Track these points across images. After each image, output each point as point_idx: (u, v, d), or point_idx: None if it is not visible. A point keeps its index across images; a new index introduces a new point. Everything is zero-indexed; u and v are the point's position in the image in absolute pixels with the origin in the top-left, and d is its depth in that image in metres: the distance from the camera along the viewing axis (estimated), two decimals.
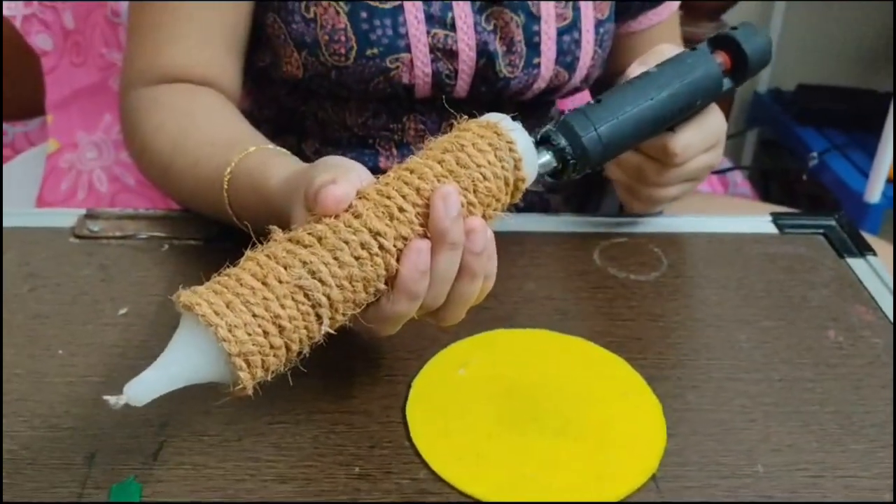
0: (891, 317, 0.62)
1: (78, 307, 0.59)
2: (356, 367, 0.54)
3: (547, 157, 0.54)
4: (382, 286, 0.46)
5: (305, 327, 0.44)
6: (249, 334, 0.43)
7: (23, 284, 0.60)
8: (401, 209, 0.46)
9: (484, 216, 0.48)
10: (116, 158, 1.14)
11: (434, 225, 0.45)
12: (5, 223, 0.66)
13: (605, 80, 0.83)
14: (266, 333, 0.43)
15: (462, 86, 0.73)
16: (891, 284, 0.66)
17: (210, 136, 0.64)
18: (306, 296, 0.44)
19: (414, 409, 0.51)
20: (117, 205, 1.12)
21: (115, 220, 0.67)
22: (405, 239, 0.45)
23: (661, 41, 0.74)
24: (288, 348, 0.44)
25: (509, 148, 0.48)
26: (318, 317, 0.45)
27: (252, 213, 0.58)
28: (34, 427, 0.49)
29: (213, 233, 0.66)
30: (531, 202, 0.84)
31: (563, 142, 0.54)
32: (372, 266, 0.45)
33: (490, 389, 0.53)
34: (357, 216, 0.45)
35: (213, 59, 0.70)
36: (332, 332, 0.46)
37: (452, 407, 0.52)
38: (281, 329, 0.44)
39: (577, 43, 0.75)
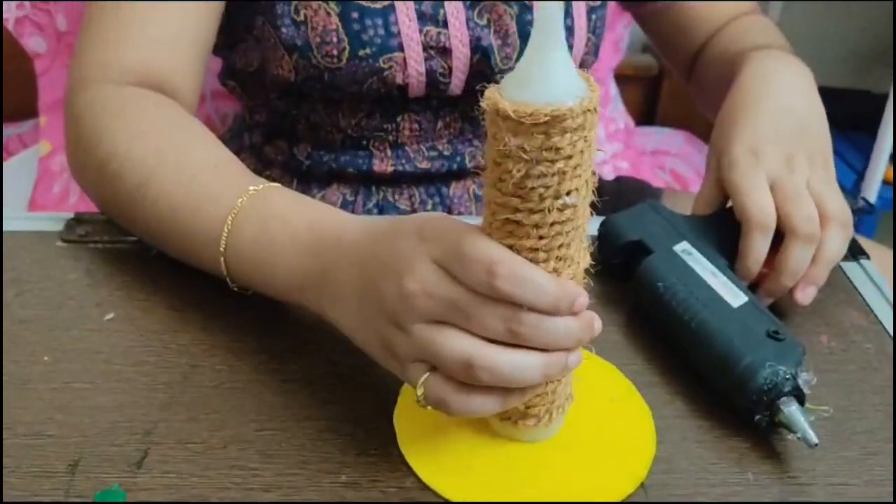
0: (885, 322, 0.61)
1: (63, 312, 0.58)
2: (345, 374, 0.54)
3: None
4: None
5: None
6: None
7: (8, 289, 0.60)
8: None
9: None
10: None
11: None
12: None
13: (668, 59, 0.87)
14: None
15: (457, 83, 0.72)
16: (885, 288, 0.65)
17: (207, 157, 0.60)
18: None
19: (402, 417, 0.51)
20: None
21: (103, 224, 0.66)
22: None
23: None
24: None
25: None
26: None
27: (260, 255, 0.53)
28: (17, 434, 0.49)
29: None
30: None
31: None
32: None
33: None
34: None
35: (176, 57, 0.67)
36: None
37: (441, 414, 0.51)
38: None
39: (570, 30, 0.74)
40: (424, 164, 0.76)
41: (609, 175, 1.22)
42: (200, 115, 1.10)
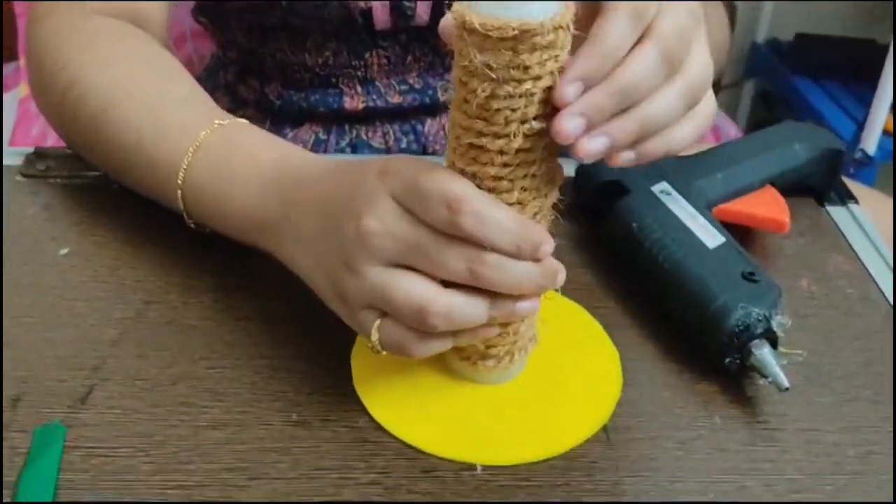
0: (870, 266, 0.59)
1: (18, 247, 0.56)
2: (302, 313, 0.52)
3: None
4: None
5: None
6: None
7: None
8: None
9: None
10: None
11: None
12: None
13: None
14: None
15: (422, 11, 0.69)
16: (873, 234, 0.63)
17: (176, 89, 0.58)
18: None
19: (359, 356, 0.49)
20: None
21: (64, 159, 0.64)
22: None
23: None
24: None
25: None
26: None
27: (220, 189, 0.51)
28: None
29: None
30: None
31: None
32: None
33: None
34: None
35: None
36: None
37: None
38: None
39: None
40: (396, 99, 0.73)
41: None
42: (181, 55, 1.07)
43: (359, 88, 0.73)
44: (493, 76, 0.38)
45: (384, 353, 0.43)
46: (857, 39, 1.73)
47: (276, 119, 0.77)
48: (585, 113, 0.39)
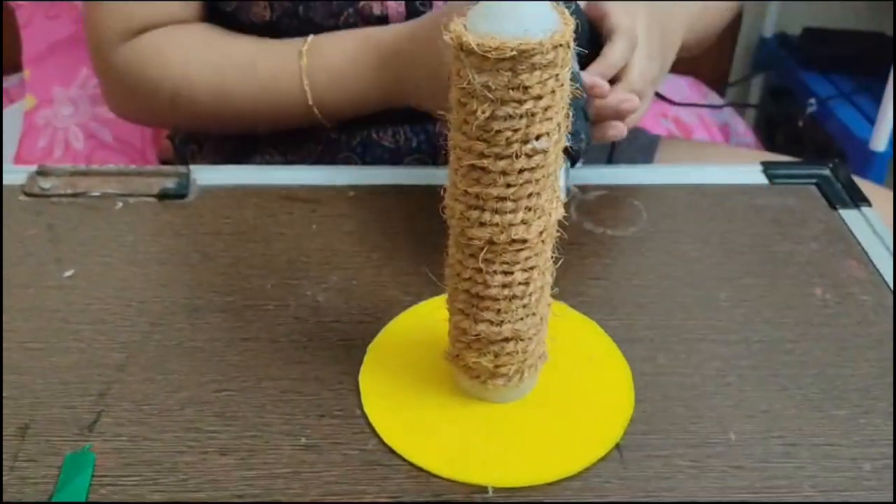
0: (884, 273, 0.58)
1: (21, 269, 0.56)
2: (310, 332, 0.51)
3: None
4: None
5: None
6: None
7: None
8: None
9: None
10: (93, 114, 1.11)
11: None
12: None
13: None
14: None
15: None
16: (886, 236, 0.62)
17: (252, 45, 0.69)
18: None
19: (368, 377, 0.48)
20: (94, 162, 1.09)
21: (68, 177, 0.64)
22: None
23: None
24: None
25: None
26: None
27: (345, 80, 0.66)
28: None
29: (169, 190, 0.63)
30: None
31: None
32: None
33: (445, 353, 0.50)
34: None
35: (185, 8, 0.71)
36: None
37: (409, 373, 0.49)
38: None
39: None
40: None
41: None
42: None
43: None
44: (492, 97, 0.37)
45: None
46: (865, 33, 1.71)
47: None
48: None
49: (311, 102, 0.67)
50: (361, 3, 0.67)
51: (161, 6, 0.70)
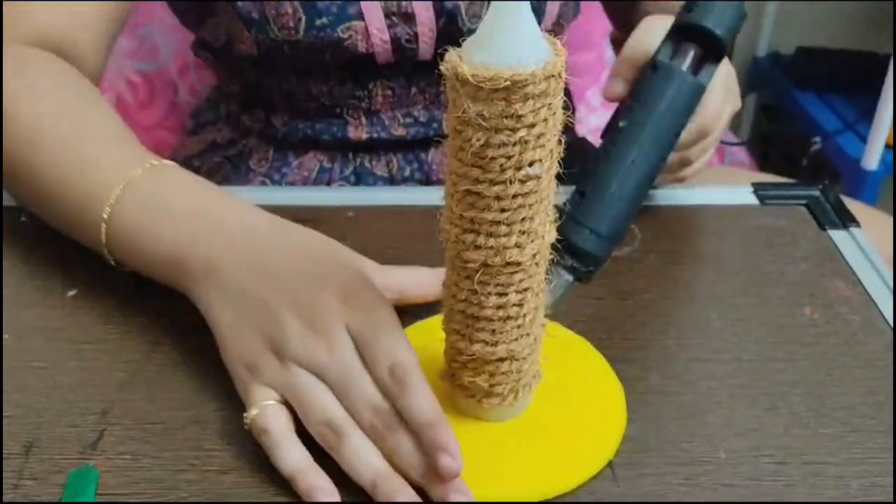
0: (872, 292, 0.59)
1: (25, 289, 0.57)
2: None
3: (566, 278, 0.52)
4: None
5: None
6: None
7: None
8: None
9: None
10: None
11: None
12: None
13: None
14: None
15: (425, 48, 0.70)
16: (875, 258, 0.63)
17: (106, 124, 0.58)
18: None
19: None
20: None
21: None
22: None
23: None
24: None
25: None
26: None
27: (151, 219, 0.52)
28: None
29: None
30: None
31: (569, 261, 0.52)
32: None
33: (441, 372, 0.51)
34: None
35: (79, 21, 0.64)
36: None
37: None
38: None
39: None
40: (400, 132, 0.74)
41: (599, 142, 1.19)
42: (184, 85, 1.08)
43: (363, 119, 0.74)
44: (487, 125, 0.39)
45: (247, 426, 0.45)
46: (857, 52, 1.73)
47: (281, 147, 0.77)
48: None
49: (103, 224, 0.54)
50: (346, 43, 0.68)
51: (54, 14, 0.63)
